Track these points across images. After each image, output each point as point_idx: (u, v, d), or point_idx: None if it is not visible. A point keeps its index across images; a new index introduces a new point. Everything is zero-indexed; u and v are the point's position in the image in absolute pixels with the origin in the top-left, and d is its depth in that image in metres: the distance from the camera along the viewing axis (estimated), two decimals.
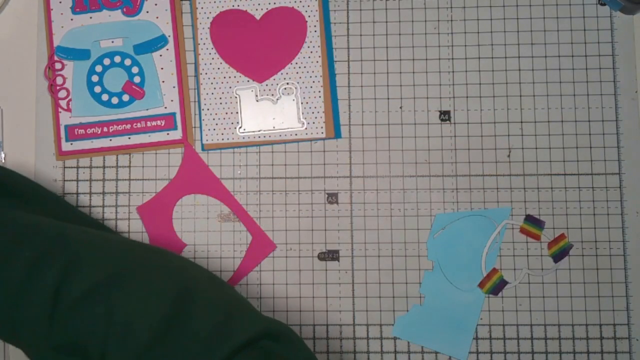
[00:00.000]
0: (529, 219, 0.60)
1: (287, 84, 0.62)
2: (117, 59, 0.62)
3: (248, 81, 0.62)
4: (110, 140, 0.61)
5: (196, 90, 0.62)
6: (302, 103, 0.61)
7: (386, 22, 0.62)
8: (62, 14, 0.62)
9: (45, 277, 0.42)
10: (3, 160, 0.61)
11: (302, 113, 0.61)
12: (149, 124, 0.61)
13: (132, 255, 0.45)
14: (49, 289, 0.41)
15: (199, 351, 0.40)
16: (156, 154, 0.61)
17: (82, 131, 0.61)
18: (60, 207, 0.56)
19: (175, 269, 0.45)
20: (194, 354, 0.39)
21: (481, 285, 0.59)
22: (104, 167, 0.61)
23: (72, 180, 0.61)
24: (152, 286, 0.43)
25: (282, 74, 0.62)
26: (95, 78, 0.62)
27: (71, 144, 0.61)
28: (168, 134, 0.61)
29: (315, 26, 0.62)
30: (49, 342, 0.41)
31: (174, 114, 0.62)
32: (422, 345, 0.59)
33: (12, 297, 0.42)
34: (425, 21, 0.62)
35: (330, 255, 0.60)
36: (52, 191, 0.58)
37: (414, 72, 0.62)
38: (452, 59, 0.62)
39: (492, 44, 0.62)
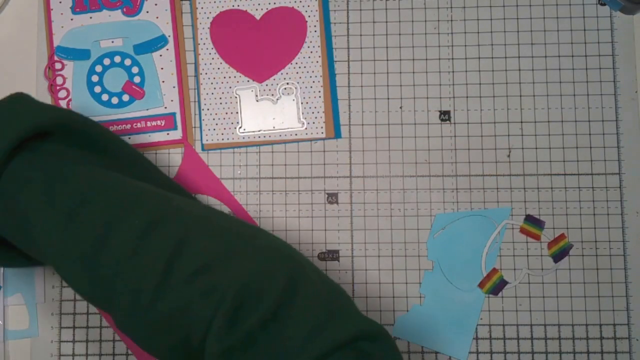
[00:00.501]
0: (529, 219, 0.60)
1: (287, 84, 0.62)
2: (117, 59, 0.62)
3: (248, 81, 0.62)
4: None
5: (196, 90, 0.62)
6: (302, 103, 0.61)
7: (386, 22, 0.62)
8: (62, 14, 0.62)
9: (155, 249, 0.41)
10: None
11: (302, 113, 0.61)
12: (149, 124, 0.61)
13: (242, 233, 0.44)
14: (159, 262, 0.40)
15: (297, 345, 0.38)
16: (156, 154, 0.61)
17: None
18: (160, 177, 0.55)
19: (283, 254, 0.44)
20: (292, 347, 0.38)
21: (481, 285, 0.59)
22: None
23: None
24: (263, 269, 0.41)
25: (282, 74, 0.62)
26: (95, 78, 0.62)
27: None
28: (168, 134, 0.61)
29: (315, 26, 0.62)
30: (148, 316, 0.40)
31: (174, 114, 0.62)
32: (422, 345, 0.59)
33: (117, 267, 0.41)
34: (425, 21, 0.62)
35: (330, 255, 0.60)
36: (152, 162, 0.57)
37: (414, 72, 0.62)
38: (452, 59, 0.62)
39: (492, 44, 0.62)
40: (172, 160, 0.61)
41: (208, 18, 0.62)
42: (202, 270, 0.41)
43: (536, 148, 0.61)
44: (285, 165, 0.61)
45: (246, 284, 0.40)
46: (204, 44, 0.62)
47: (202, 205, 0.48)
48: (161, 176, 0.57)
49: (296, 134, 0.61)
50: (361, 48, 0.62)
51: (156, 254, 0.41)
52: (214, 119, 0.61)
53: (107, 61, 0.62)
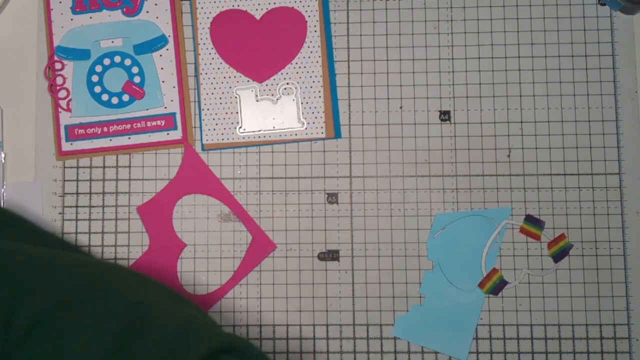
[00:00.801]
0: (529, 219, 0.60)
1: (287, 84, 0.62)
2: (117, 59, 0.62)
3: (248, 81, 0.62)
4: (110, 140, 0.61)
5: (196, 90, 0.62)
6: (302, 103, 0.61)
7: (386, 22, 0.62)
8: (62, 14, 0.62)
9: None
10: (3, 160, 0.61)
11: (302, 113, 0.61)
12: (149, 124, 0.61)
13: (77, 281, 0.44)
14: None
15: None
16: (156, 154, 0.61)
17: (82, 131, 0.61)
18: (42, 234, 0.55)
19: (125, 291, 0.45)
20: None
21: (481, 285, 0.59)
22: (104, 167, 0.61)
23: (72, 180, 0.61)
24: (97, 316, 0.42)
25: (282, 74, 0.62)
26: (95, 78, 0.62)
27: (71, 144, 0.61)
28: (168, 134, 0.61)
29: (315, 26, 0.62)
30: None
31: (174, 114, 0.62)
32: (422, 345, 0.59)
33: None
34: (425, 21, 0.62)
35: (330, 255, 0.60)
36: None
37: (414, 72, 0.62)
38: (452, 59, 0.62)
39: (492, 44, 0.62)
40: (172, 160, 0.61)
41: (208, 18, 0.62)
42: (32, 331, 0.41)
43: (536, 148, 0.61)
44: (285, 165, 0.61)
45: (79, 337, 0.41)
46: (204, 44, 0.62)
47: (46, 256, 0.48)
48: (41, 232, 0.57)
49: (296, 134, 0.61)
50: (361, 48, 0.62)
51: None
52: (214, 119, 0.61)
53: (107, 61, 0.62)
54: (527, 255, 0.60)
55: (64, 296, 0.43)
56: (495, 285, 0.59)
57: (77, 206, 0.61)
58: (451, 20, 0.62)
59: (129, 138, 0.61)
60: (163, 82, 0.62)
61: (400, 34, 0.62)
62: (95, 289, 0.44)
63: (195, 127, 0.62)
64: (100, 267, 0.47)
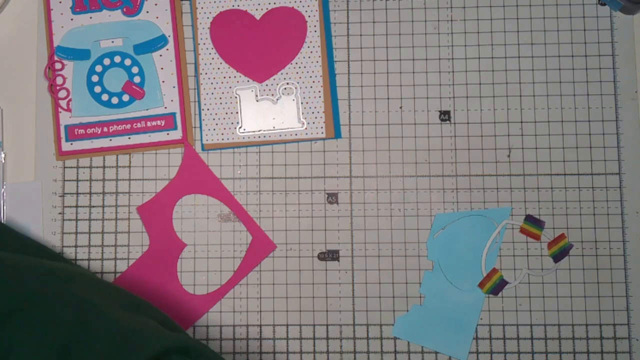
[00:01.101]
0: (529, 219, 0.60)
1: (287, 84, 0.62)
2: (117, 59, 0.62)
3: (248, 81, 0.62)
4: (110, 140, 0.61)
5: (196, 90, 0.62)
6: (302, 103, 0.61)
7: (386, 22, 0.62)
8: (62, 14, 0.62)
9: None
10: (3, 160, 0.61)
11: (302, 113, 0.61)
12: (149, 124, 0.61)
13: (29, 287, 0.45)
14: None
15: None
16: (156, 154, 0.61)
17: (82, 131, 0.61)
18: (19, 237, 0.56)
19: (74, 296, 0.45)
20: None
21: (481, 285, 0.59)
22: (104, 167, 0.61)
23: (72, 180, 0.61)
24: (48, 321, 0.43)
25: (282, 74, 0.62)
26: (95, 78, 0.62)
27: (71, 144, 0.61)
28: (168, 134, 0.61)
29: (315, 26, 0.62)
30: None
31: (174, 114, 0.62)
32: (422, 345, 0.59)
33: None
34: (425, 21, 0.62)
35: (330, 255, 0.60)
36: None
37: (414, 72, 0.62)
38: (452, 59, 0.62)
39: (492, 44, 0.62)
40: (172, 160, 0.61)
41: (208, 18, 0.62)
42: None
43: (536, 148, 0.61)
44: (285, 165, 0.61)
45: (30, 340, 0.42)
46: (204, 44, 0.62)
47: (28, 260, 0.48)
48: (22, 237, 0.57)
49: (296, 134, 0.61)
50: (361, 48, 0.62)
51: None
52: (214, 119, 0.61)
53: (107, 61, 0.62)
54: (527, 255, 0.60)
55: (21, 301, 0.43)
56: (495, 285, 0.59)
57: (77, 206, 0.61)
58: (451, 20, 0.62)
59: (129, 138, 0.61)
60: (163, 82, 0.62)
61: (400, 34, 0.62)
62: (52, 295, 0.45)
63: (195, 127, 0.62)
64: (65, 273, 0.47)
